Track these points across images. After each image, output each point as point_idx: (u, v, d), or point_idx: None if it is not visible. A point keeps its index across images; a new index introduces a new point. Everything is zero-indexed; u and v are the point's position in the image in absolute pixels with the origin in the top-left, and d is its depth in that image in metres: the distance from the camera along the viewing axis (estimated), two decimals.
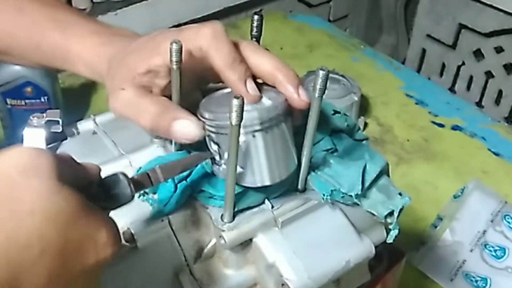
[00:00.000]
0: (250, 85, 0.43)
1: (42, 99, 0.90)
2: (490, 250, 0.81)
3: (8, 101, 0.90)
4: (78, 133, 0.55)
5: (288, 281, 0.43)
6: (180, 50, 0.42)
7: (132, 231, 0.45)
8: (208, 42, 0.44)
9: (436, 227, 0.85)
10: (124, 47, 0.48)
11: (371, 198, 0.49)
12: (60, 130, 0.52)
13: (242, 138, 0.42)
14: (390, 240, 0.49)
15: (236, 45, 0.45)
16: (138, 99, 0.45)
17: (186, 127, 0.44)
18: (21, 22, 0.54)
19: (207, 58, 0.44)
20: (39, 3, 0.55)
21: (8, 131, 0.94)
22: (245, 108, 0.41)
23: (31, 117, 0.51)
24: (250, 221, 0.45)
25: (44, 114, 0.51)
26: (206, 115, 0.44)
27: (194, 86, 0.49)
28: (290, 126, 0.45)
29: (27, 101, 0.90)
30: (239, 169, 0.43)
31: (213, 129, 0.43)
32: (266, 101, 0.43)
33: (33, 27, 0.53)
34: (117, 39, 0.50)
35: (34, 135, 0.50)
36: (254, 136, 0.42)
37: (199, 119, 0.44)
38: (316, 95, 0.42)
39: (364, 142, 0.54)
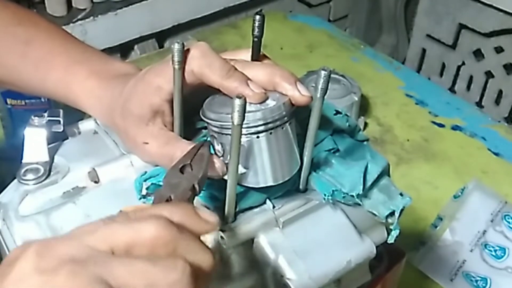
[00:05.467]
0: (253, 85, 0.43)
1: (42, 99, 0.90)
2: (490, 250, 0.81)
3: (8, 101, 0.90)
4: (79, 132, 0.55)
5: (289, 281, 0.43)
6: (182, 50, 0.43)
7: None
8: (198, 63, 0.44)
9: (436, 227, 0.85)
10: (119, 93, 0.48)
11: (372, 198, 0.49)
12: (61, 129, 0.52)
13: (245, 139, 0.42)
14: (391, 240, 0.49)
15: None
16: (162, 150, 0.46)
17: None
18: (28, 56, 0.54)
19: (202, 78, 0.44)
20: (45, 35, 0.55)
21: (8, 131, 0.94)
22: (249, 108, 0.41)
23: (32, 117, 0.51)
24: (251, 221, 0.45)
25: (45, 114, 0.51)
26: (210, 116, 0.44)
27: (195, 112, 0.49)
28: (294, 127, 0.45)
29: (27, 101, 0.90)
30: (242, 170, 0.43)
31: (216, 130, 0.43)
32: (270, 102, 0.43)
33: (39, 62, 0.54)
34: (112, 81, 0.50)
35: (35, 135, 0.50)
36: (258, 137, 0.42)
37: (202, 119, 0.45)
38: (318, 95, 0.42)
39: (365, 143, 0.54)
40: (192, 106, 0.47)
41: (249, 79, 0.44)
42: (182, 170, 0.40)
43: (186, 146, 0.45)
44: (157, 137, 0.46)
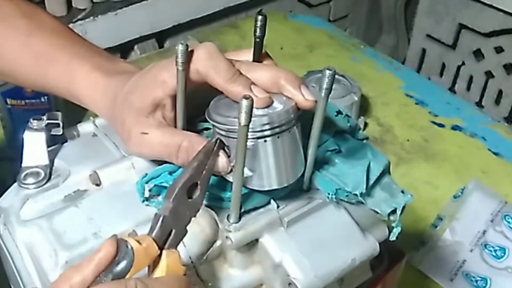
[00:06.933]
0: (257, 89, 0.43)
1: (42, 99, 0.90)
2: (490, 250, 0.81)
3: (8, 101, 0.90)
4: (79, 135, 0.54)
5: (295, 280, 0.43)
6: (185, 51, 0.42)
7: (138, 234, 0.45)
8: (204, 63, 0.44)
9: (436, 227, 0.85)
10: (122, 86, 0.48)
11: (374, 196, 0.49)
12: (60, 132, 0.52)
13: (252, 142, 0.42)
14: (393, 237, 0.50)
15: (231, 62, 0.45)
16: (166, 140, 0.45)
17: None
18: (30, 48, 0.54)
19: (206, 79, 0.44)
20: (48, 29, 0.55)
21: (8, 131, 0.94)
22: (256, 112, 0.41)
23: (31, 120, 0.50)
24: (256, 221, 0.45)
25: (44, 117, 0.51)
26: (217, 119, 0.43)
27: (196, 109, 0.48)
28: (300, 129, 0.45)
29: (27, 101, 0.90)
30: (248, 173, 0.43)
31: (223, 133, 0.43)
32: (277, 106, 0.43)
33: (41, 55, 0.53)
34: (117, 77, 0.50)
35: (35, 138, 0.50)
36: (265, 141, 0.42)
37: (208, 121, 0.44)
38: (322, 94, 0.42)
39: (364, 141, 0.54)
40: (194, 106, 0.47)
41: (253, 83, 0.44)
42: (190, 192, 0.41)
43: (194, 137, 0.45)
44: (159, 128, 0.46)
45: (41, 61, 0.53)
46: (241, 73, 0.44)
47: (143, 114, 0.46)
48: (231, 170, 0.43)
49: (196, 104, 0.47)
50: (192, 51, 0.44)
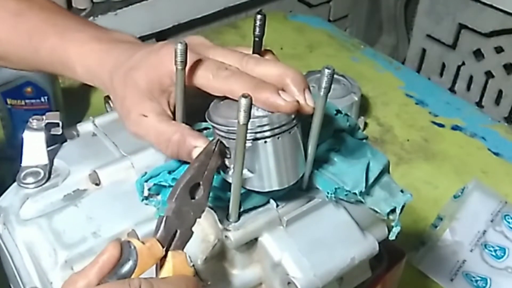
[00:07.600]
0: (285, 94, 0.42)
1: (42, 99, 0.90)
2: (490, 250, 0.81)
3: (8, 101, 0.90)
4: (78, 135, 0.54)
5: (294, 279, 0.43)
6: (185, 51, 0.42)
7: (137, 233, 0.45)
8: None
9: (436, 227, 0.85)
10: (125, 58, 0.47)
11: (374, 195, 0.49)
12: (60, 132, 0.52)
13: (252, 143, 0.42)
14: (392, 236, 0.49)
15: (239, 55, 0.45)
16: (161, 127, 0.45)
17: None
18: (20, 27, 0.53)
19: (228, 94, 0.44)
20: (38, 8, 0.54)
21: (8, 131, 0.94)
22: (256, 113, 0.41)
23: (30, 120, 0.50)
24: (255, 220, 0.45)
25: (44, 117, 0.51)
26: (217, 120, 0.43)
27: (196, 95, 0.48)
28: (300, 129, 0.44)
29: (27, 101, 0.90)
30: (249, 174, 0.43)
31: (223, 134, 0.43)
32: None
33: (32, 32, 0.53)
34: (117, 46, 0.49)
35: (34, 138, 0.50)
36: (265, 142, 0.42)
37: (209, 123, 0.44)
38: (321, 93, 0.42)
39: (364, 141, 0.54)
40: (194, 106, 0.47)
41: (282, 89, 0.43)
42: (192, 192, 0.41)
43: (187, 130, 0.45)
44: (159, 114, 0.45)
45: (33, 38, 0.53)
46: (263, 81, 0.43)
47: (148, 97, 0.45)
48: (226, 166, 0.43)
49: (195, 104, 0.47)
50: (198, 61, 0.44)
